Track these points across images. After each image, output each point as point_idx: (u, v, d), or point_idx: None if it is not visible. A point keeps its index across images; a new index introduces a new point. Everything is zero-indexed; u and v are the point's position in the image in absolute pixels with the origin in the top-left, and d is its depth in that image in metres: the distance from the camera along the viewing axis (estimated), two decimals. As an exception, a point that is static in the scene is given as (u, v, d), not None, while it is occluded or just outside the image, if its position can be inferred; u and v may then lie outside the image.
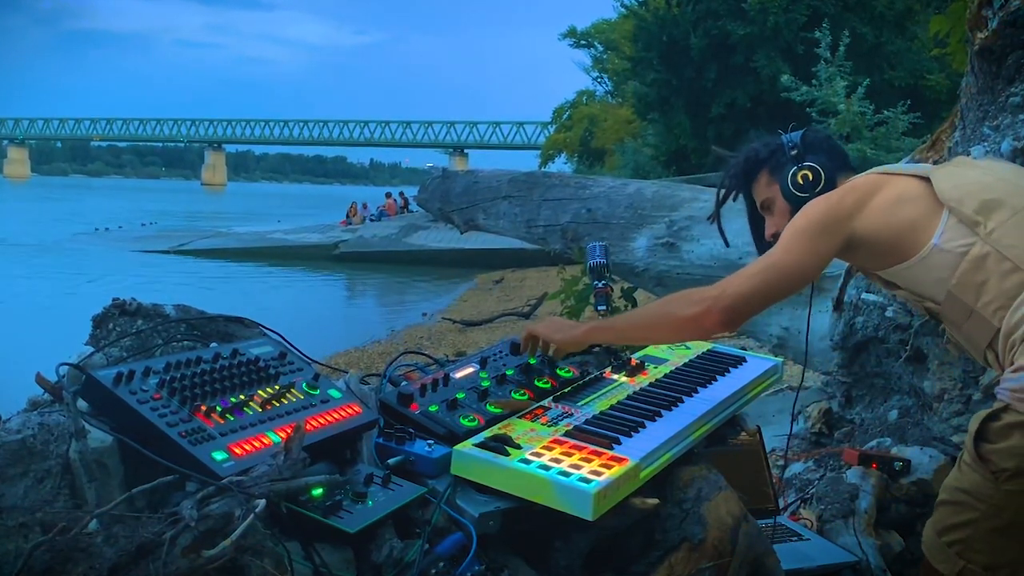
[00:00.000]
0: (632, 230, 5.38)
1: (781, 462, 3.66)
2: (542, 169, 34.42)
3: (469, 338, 15.01)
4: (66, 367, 2.05)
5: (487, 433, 2.16)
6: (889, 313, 3.71)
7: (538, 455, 2.06)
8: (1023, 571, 2.08)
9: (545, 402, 2.40)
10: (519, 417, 2.29)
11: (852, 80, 14.74)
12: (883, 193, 2.37)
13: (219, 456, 1.86)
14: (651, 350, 2.87)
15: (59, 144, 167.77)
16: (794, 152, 2.61)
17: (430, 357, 2.80)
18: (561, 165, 45.34)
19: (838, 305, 4.04)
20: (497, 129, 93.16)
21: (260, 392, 2.12)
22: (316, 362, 2.42)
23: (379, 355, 13.25)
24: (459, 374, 2.49)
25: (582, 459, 2.05)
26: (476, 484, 2.06)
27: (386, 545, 1.89)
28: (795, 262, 2.34)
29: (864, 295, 3.84)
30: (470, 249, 25.12)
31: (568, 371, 2.64)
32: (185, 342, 2.36)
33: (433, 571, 1.88)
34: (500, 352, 2.67)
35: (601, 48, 44.78)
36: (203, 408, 1.98)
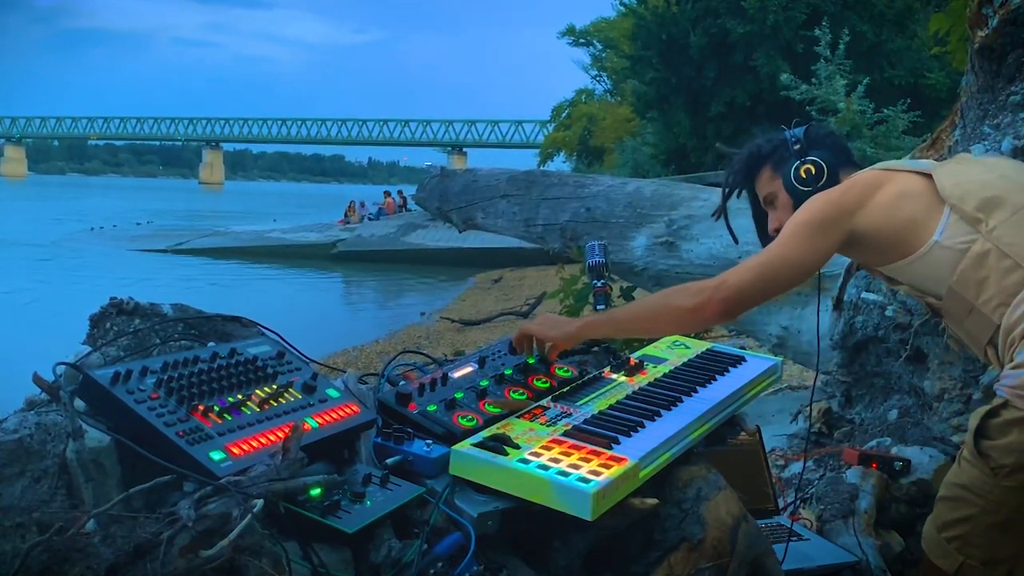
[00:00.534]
0: (631, 229, 5.37)
1: (780, 462, 3.66)
2: (541, 168, 34.41)
3: (468, 337, 15.02)
4: (63, 366, 2.05)
5: (486, 433, 2.15)
6: (889, 312, 3.71)
7: (537, 455, 2.05)
8: (1021, 566, 2.09)
9: (544, 402, 2.39)
10: (518, 417, 2.28)
11: (852, 79, 14.75)
12: (885, 189, 2.38)
13: (217, 456, 1.85)
14: (650, 350, 2.86)
15: (56, 143, 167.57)
16: (797, 147, 2.62)
17: (428, 356, 2.80)
18: (560, 164, 45.36)
19: (838, 304, 4.04)
20: (496, 128, 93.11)
21: (258, 392, 2.11)
22: (314, 361, 2.42)
23: (377, 354, 13.25)
24: (457, 374, 2.49)
25: (581, 459, 2.04)
26: (475, 484, 2.05)
27: (384, 545, 1.88)
28: (795, 256, 2.36)
29: (864, 294, 3.84)
30: (469, 248, 25.12)
31: (567, 370, 2.63)
32: (183, 341, 2.35)
33: (432, 571, 1.88)
34: (499, 351, 2.66)
35: (600, 46, 44.77)
36: (201, 408, 1.97)
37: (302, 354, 2.39)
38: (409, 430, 2.19)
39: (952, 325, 2.37)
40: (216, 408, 1.99)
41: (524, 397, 2.42)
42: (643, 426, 2.25)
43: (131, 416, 1.90)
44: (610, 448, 2.10)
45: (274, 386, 2.16)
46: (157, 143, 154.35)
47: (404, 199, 35.99)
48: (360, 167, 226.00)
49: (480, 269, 25.87)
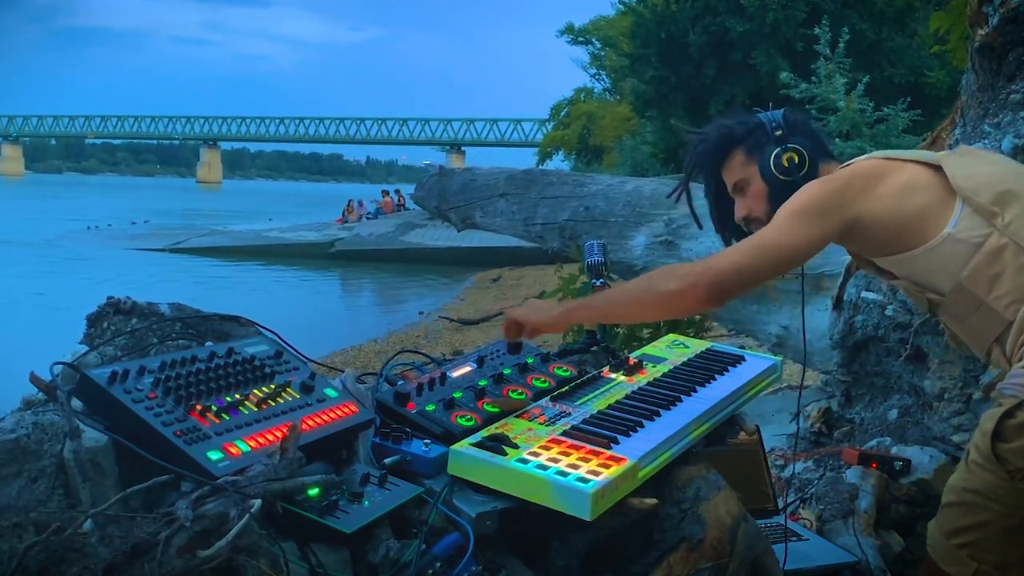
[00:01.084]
0: (630, 228, 5.37)
1: (780, 462, 3.66)
2: (540, 167, 34.43)
3: (466, 337, 15.02)
4: (60, 366, 2.05)
5: (484, 432, 2.15)
6: (889, 312, 3.70)
7: (535, 455, 2.05)
8: None
9: (543, 401, 2.39)
10: (516, 416, 2.28)
11: (852, 77, 14.74)
12: (890, 179, 2.31)
13: (214, 456, 1.85)
14: (649, 349, 2.86)
15: (53, 141, 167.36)
16: (778, 132, 2.51)
17: (427, 356, 2.79)
18: (559, 163, 45.35)
19: (837, 303, 4.03)
20: (494, 126, 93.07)
21: (256, 391, 2.11)
22: (312, 361, 2.41)
23: (376, 354, 13.25)
24: (456, 373, 2.49)
25: (580, 459, 2.04)
26: (473, 484, 2.05)
27: (382, 545, 1.88)
28: (788, 243, 2.26)
29: (864, 293, 3.84)
30: (467, 247, 25.12)
31: (566, 370, 2.63)
32: (180, 341, 2.34)
33: (430, 571, 1.88)
34: (497, 351, 2.66)
35: (599, 45, 44.74)
36: (198, 407, 1.97)
37: (300, 354, 2.38)
38: (407, 430, 2.19)
39: (952, 322, 2.31)
40: (214, 408, 1.98)
41: (523, 397, 2.42)
42: (642, 426, 2.25)
43: (128, 416, 1.90)
44: (609, 448, 2.10)
45: (272, 386, 2.15)
46: (155, 142, 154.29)
47: (402, 198, 35.99)
48: (358, 166, 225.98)
49: (479, 268, 25.87)
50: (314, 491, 1.85)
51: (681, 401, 2.43)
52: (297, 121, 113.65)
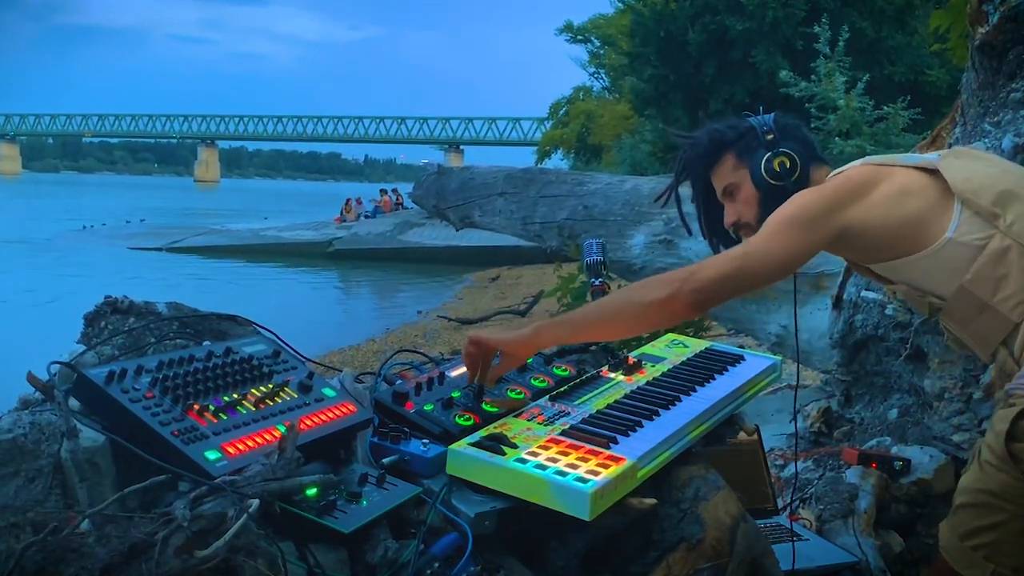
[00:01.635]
0: (629, 227, 5.36)
1: (780, 462, 3.65)
2: (538, 165, 34.42)
3: (464, 336, 15.00)
4: (57, 365, 2.04)
5: (483, 432, 2.14)
6: (889, 311, 3.70)
7: (534, 454, 2.04)
8: None
9: (541, 401, 2.38)
10: (515, 416, 2.27)
11: (851, 76, 14.74)
12: (884, 186, 2.28)
13: (212, 455, 1.84)
14: (648, 348, 2.85)
15: (51, 140, 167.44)
16: (769, 137, 2.49)
17: (425, 355, 2.79)
18: (558, 161, 45.28)
19: (837, 303, 4.03)
20: (493, 125, 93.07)
21: (254, 391, 2.10)
22: (310, 360, 2.41)
23: (374, 353, 13.25)
24: (455, 372, 2.48)
25: (579, 458, 2.03)
26: (472, 484, 2.04)
27: (381, 545, 1.87)
28: (778, 252, 2.23)
29: (864, 293, 3.83)
30: (466, 246, 25.12)
31: (565, 369, 2.63)
32: (178, 340, 2.34)
33: (428, 572, 1.87)
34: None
35: (598, 43, 44.69)
36: (196, 407, 1.96)
37: (298, 353, 2.38)
38: (406, 429, 2.18)
39: (955, 325, 2.29)
40: (211, 407, 1.97)
41: (522, 396, 2.41)
42: (641, 425, 2.24)
43: (126, 415, 1.89)
44: (608, 448, 2.09)
45: (270, 385, 2.14)
46: (152, 140, 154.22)
47: (400, 197, 35.98)
48: (356, 165, 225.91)
49: (477, 267, 25.88)
50: (312, 491, 1.84)
51: (680, 401, 2.42)
52: (295, 120, 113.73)
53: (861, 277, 3.88)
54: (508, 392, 2.42)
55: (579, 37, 45.71)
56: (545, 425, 2.21)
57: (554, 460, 2.02)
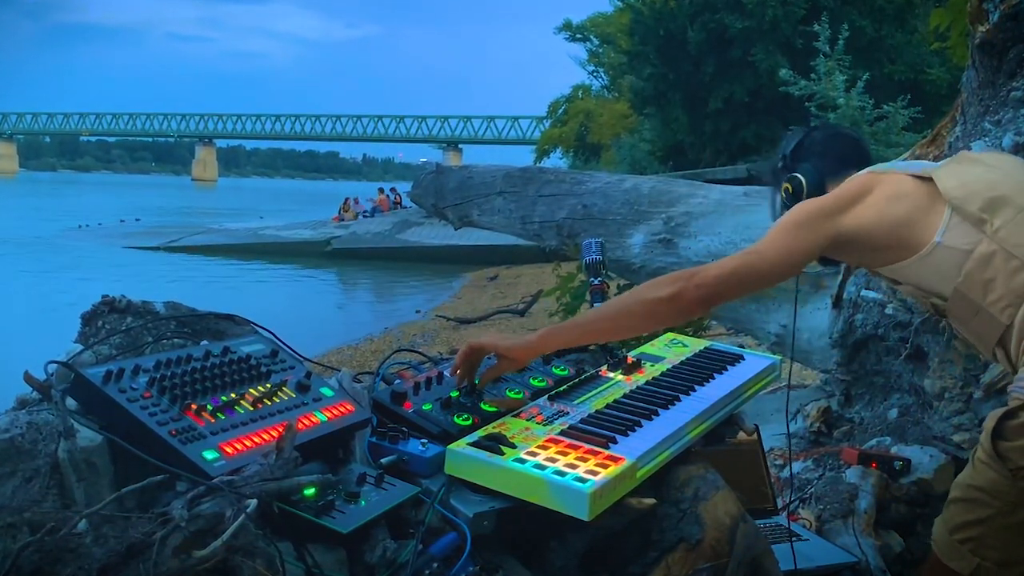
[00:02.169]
0: (628, 226, 5.35)
1: (780, 461, 3.65)
2: (537, 164, 34.39)
3: (463, 335, 15.00)
4: (55, 365, 2.03)
5: (481, 432, 2.14)
6: (889, 311, 3.70)
7: (533, 454, 2.04)
8: None
9: (540, 400, 2.38)
10: (514, 416, 2.26)
11: (851, 74, 14.74)
12: (877, 191, 2.36)
13: (210, 455, 1.84)
14: (647, 348, 2.85)
15: (47, 139, 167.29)
16: (780, 164, 2.66)
17: (424, 355, 2.79)
18: (556, 160, 45.27)
19: (837, 302, 4.03)
20: (492, 124, 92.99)
21: (251, 391, 2.09)
22: (308, 360, 2.40)
23: (372, 353, 13.26)
24: (453, 372, 2.47)
25: (578, 458, 2.03)
26: (470, 484, 2.04)
27: (379, 545, 1.87)
28: (773, 253, 2.33)
29: (864, 292, 3.83)
30: (464, 245, 25.10)
31: (564, 369, 2.62)
32: (175, 340, 2.33)
33: (427, 572, 1.86)
34: (495, 350, 2.64)
35: (597, 42, 44.67)
36: (193, 407, 1.95)
37: (296, 352, 2.37)
38: (404, 429, 2.18)
39: (958, 326, 2.36)
40: (209, 407, 1.97)
41: (521, 396, 2.41)
42: (640, 425, 2.24)
43: (123, 415, 1.88)
44: (607, 447, 2.09)
45: (268, 385, 2.14)
46: (150, 139, 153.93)
47: (399, 196, 35.96)
48: (355, 164, 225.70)
49: (476, 267, 25.88)
50: (310, 491, 1.84)
51: (680, 400, 2.42)
52: (293, 118, 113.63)
53: (861, 276, 3.89)
54: (507, 392, 2.42)
55: (578, 35, 45.69)
56: (544, 425, 2.21)
57: (553, 460, 2.01)
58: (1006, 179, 2.32)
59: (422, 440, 2.14)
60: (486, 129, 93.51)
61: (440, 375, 2.43)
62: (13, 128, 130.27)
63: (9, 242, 30.61)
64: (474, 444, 2.07)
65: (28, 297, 19.68)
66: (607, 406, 2.35)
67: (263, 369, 2.20)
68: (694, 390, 2.50)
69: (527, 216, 6.21)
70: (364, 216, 35.16)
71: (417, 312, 19.12)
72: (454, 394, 2.33)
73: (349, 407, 2.18)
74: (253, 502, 1.67)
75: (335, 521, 1.82)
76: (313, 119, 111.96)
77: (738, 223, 4.73)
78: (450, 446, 2.08)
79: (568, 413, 2.29)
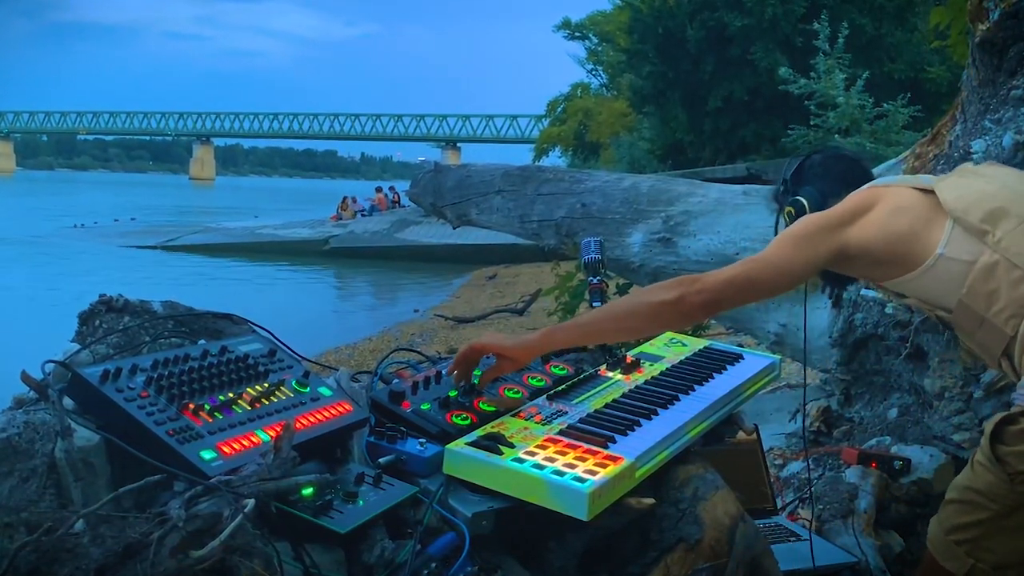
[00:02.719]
0: (627, 225, 5.34)
1: (779, 461, 3.64)
2: (536, 163, 34.39)
3: (462, 335, 15.00)
4: (52, 364, 2.03)
5: (480, 432, 2.13)
6: (889, 310, 3.69)
7: (532, 454, 2.03)
8: None
9: (539, 400, 2.37)
10: (512, 415, 2.26)
11: (851, 72, 14.76)
12: (880, 205, 2.38)
13: (207, 455, 1.84)
14: (646, 347, 2.85)
15: (44, 138, 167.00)
16: (782, 188, 2.72)
17: (422, 354, 2.78)
18: (555, 159, 45.27)
19: (837, 301, 4.02)
20: (490, 123, 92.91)
21: (249, 390, 2.09)
22: (306, 359, 2.40)
23: (370, 352, 13.25)
24: (452, 372, 2.46)
25: (576, 458, 2.03)
26: (469, 483, 2.03)
27: (377, 545, 1.87)
28: (777, 261, 2.35)
29: (864, 291, 3.82)
30: (463, 245, 25.07)
31: (563, 368, 2.62)
32: (173, 339, 2.33)
33: (425, 572, 1.86)
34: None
35: (596, 40, 44.67)
36: (191, 406, 1.95)
37: (294, 352, 2.37)
38: (402, 429, 2.17)
39: (963, 337, 2.37)
40: (207, 407, 1.97)
41: (519, 395, 2.40)
42: (639, 425, 2.23)
43: (121, 415, 1.88)
44: (606, 447, 2.09)
45: (265, 384, 2.13)
46: (147, 138, 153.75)
47: (397, 195, 35.92)
48: (353, 162, 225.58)
49: (474, 266, 25.88)
50: (308, 491, 1.83)
51: (679, 400, 2.42)
52: (291, 117, 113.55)
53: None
54: (506, 391, 2.41)
55: (577, 34, 45.70)
56: (543, 424, 2.20)
57: (552, 460, 2.01)
58: (1005, 191, 2.34)
59: (420, 440, 2.14)
60: (484, 128, 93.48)
61: (439, 374, 2.42)
62: (10, 127, 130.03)
63: (6, 241, 30.57)
64: (472, 444, 2.06)
65: (25, 296, 19.65)
66: (606, 405, 2.34)
67: (261, 368, 2.19)
68: (693, 389, 2.50)
69: (526, 215, 6.20)
70: (362, 215, 35.12)
71: (415, 311, 19.11)
72: (452, 394, 2.33)
73: (347, 407, 2.17)
74: (251, 502, 1.66)
75: (333, 521, 1.82)
76: (311, 117, 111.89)
77: (737, 222, 4.72)
78: (448, 446, 2.07)
79: (567, 412, 2.28)
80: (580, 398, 2.39)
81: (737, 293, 2.36)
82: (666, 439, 2.21)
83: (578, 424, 2.21)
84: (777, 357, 2.89)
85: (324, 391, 2.20)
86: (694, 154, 25.74)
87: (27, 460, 1.85)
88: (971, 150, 3.51)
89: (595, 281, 2.92)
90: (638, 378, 2.56)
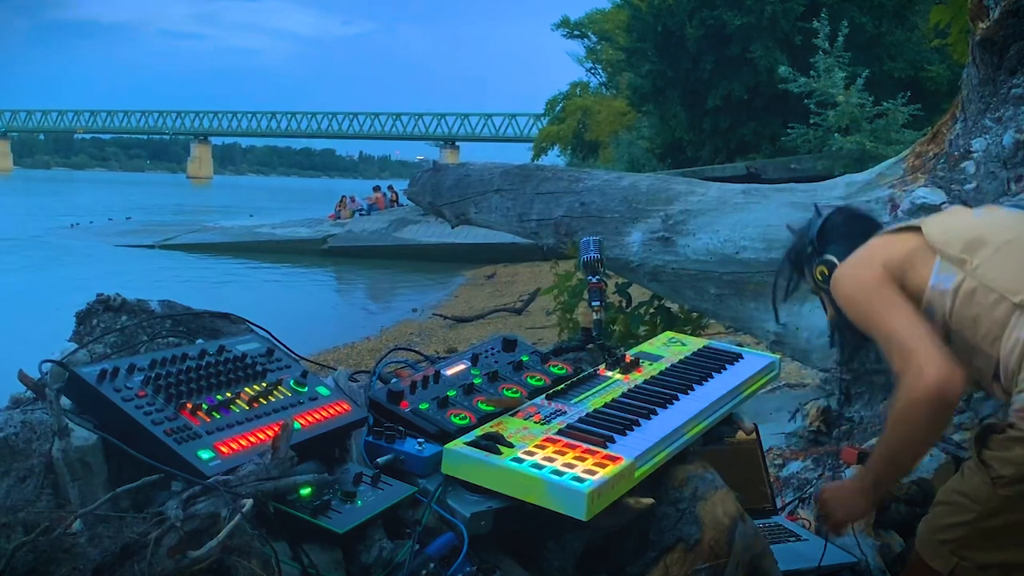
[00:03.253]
0: (626, 224, 5.32)
1: (779, 461, 3.64)
2: (535, 162, 34.38)
3: (460, 334, 15.00)
4: (49, 364, 2.02)
5: (478, 431, 2.14)
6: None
7: (530, 454, 2.04)
8: (1014, 572, 2.20)
9: (538, 400, 2.37)
10: (511, 415, 2.26)
11: (851, 71, 14.77)
12: (880, 243, 2.47)
13: (205, 455, 1.84)
14: (646, 347, 2.85)
15: (42, 137, 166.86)
16: (810, 249, 2.69)
17: (420, 354, 2.78)
18: (554, 158, 45.19)
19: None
20: (489, 121, 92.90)
21: (247, 390, 2.09)
22: (304, 359, 2.40)
23: (368, 352, 13.24)
24: (450, 371, 2.46)
25: (575, 458, 2.03)
26: (467, 483, 2.04)
27: (376, 546, 1.87)
28: (895, 322, 2.31)
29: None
30: (461, 244, 25.04)
31: (561, 368, 2.61)
32: (171, 339, 2.33)
33: (424, 572, 1.86)
34: (492, 349, 2.64)
35: (595, 38, 44.62)
36: (189, 406, 1.95)
37: (292, 351, 2.37)
38: (401, 428, 2.18)
39: (967, 369, 2.34)
40: (204, 406, 1.97)
41: (518, 395, 2.40)
42: (638, 424, 2.23)
43: (118, 414, 1.88)
44: (605, 447, 2.09)
45: (263, 384, 2.13)
46: (144, 137, 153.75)
47: (396, 194, 35.87)
48: (351, 161, 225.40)
49: (473, 265, 25.87)
50: (306, 491, 1.84)
51: (678, 399, 2.42)
52: (289, 116, 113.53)
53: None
54: (504, 391, 2.41)
55: (576, 32, 45.67)
56: (541, 424, 2.20)
57: (550, 459, 2.01)
58: (986, 223, 2.43)
59: (419, 439, 2.14)
60: (483, 126, 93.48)
61: (437, 374, 2.42)
62: (7, 125, 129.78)
63: (3, 240, 30.54)
64: (471, 443, 2.06)
65: (22, 296, 19.63)
66: (605, 405, 2.34)
67: (259, 368, 2.19)
68: (693, 389, 2.50)
69: (524, 214, 6.18)
70: (360, 214, 35.07)
71: (414, 311, 19.09)
72: (451, 393, 2.32)
73: (345, 406, 2.17)
74: (249, 502, 1.66)
75: (331, 521, 1.82)
76: (309, 116, 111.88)
77: (737, 221, 4.70)
78: (447, 445, 2.07)
79: (566, 412, 2.28)
80: (579, 398, 2.39)
81: (918, 338, 2.25)
82: (665, 439, 2.21)
83: (577, 424, 2.21)
84: (776, 356, 2.89)
85: (322, 391, 2.20)
86: (693, 153, 25.69)
87: (24, 460, 1.86)
88: (971, 149, 3.51)
89: (594, 280, 2.92)
90: (637, 377, 2.56)
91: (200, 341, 2.31)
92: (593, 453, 2.05)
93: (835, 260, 2.60)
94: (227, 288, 21.13)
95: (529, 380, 2.50)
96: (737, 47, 24.31)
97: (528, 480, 1.95)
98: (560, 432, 2.15)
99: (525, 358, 2.59)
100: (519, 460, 2.00)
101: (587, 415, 2.27)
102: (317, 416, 2.10)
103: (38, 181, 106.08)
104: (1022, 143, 3.36)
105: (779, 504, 3.23)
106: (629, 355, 2.72)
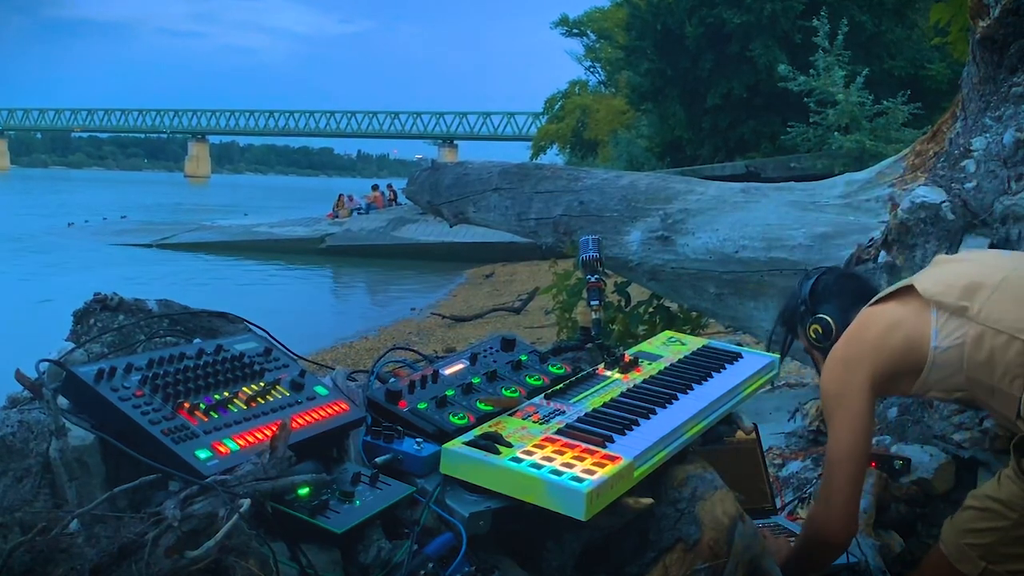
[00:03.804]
0: (625, 223, 5.32)
1: (778, 461, 3.63)
2: (533, 161, 34.38)
3: (459, 334, 15.02)
4: (46, 363, 2.02)
5: (477, 431, 2.13)
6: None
7: (529, 453, 2.03)
8: None
9: (537, 399, 2.37)
10: (510, 415, 2.26)
11: (851, 70, 14.77)
12: (873, 330, 2.48)
13: (203, 454, 1.83)
14: (645, 346, 2.84)
15: (39, 135, 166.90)
16: (803, 308, 2.75)
17: (419, 353, 2.77)
18: (553, 156, 45.23)
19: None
20: (487, 120, 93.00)
21: (245, 389, 2.08)
22: (302, 358, 2.40)
23: (367, 351, 13.25)
24: (449, 371, 2.45)
25: (574, 457, 2.02)
26: (466, 483, 2.03)
27: (374, 546, 1.87)
28: (843, 439, 2.44)
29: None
30: (460, 243, 25.05)
31: (560, 367, 2.60)
32: (168, 338, 2.32)
33: (422, 572, 1.86)
34: (490, 348, 2.63)
35: (594, 37, 44.66)
36: (186, 405, 1.94)
37: (290, 351, 2.36)
38: (399, 428, 2.17)
39: (988, 411, 2.50)
40: (202, 406, 1.96)
41: (517, 394, 2.39)
42: (638, 424, 2.23)
43: (115, 414, 1.87)
44: (604, 447, 2.08)
45: (261, 383, 2.13)
46: (142, 136, 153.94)
47: (394, 193, 35.86)
48: (349, 160, 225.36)
49: (471, 264, 25.89)
50: (304, 490, 1.83)
51: (677, 399, 2.41)
52: (287, 114, 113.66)
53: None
54: (503, 390, 2.40)
55: (575, 31, 45.70)
56: (540, 424, 2.20)
57: (549, 459, 2.00)
58: (977, 265, 2.46)
59: (417, 439, 2.13)
60: (482, 125, 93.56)
61: (435, 373, 2.41)
62: (4, 124, 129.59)
63: (2, 240, 30.53)
64: (470, 443, 2.06)
65: (20, 295, 19.62)
66: (604, 405, 2.34)
67: (257, 367, 2.19)
68: (692, 388, 2.49)
69: (523, 213, 6.18)
70: (359, 213, 35.06)
71: (412, 310, 19.11)
72: (449, 393, 2.32)
73: (343, 406, 2.17)
74: (246, 502, 1.66)
75: (329, 521, 1.82)
76: (307, 115, 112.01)
77: (736, 220, 4.70)
78: (445, 445, 2.07)
79: (565, 412, 2.28)
80: (578, 397, 2.38)
81: (855, 487, 2.47)
82: (665, 438, 2.20)
83: (576, 423, 2.20)
84: (776, 356, 2.88)
85: (320, 390, 2.19)
86: (692, 151, 25.68)
87: (21, 459, 1.85)
88: (971, 147, 3.50)
89: (593, 279, 2.92)
90: (636, 377, 2.55)
91: (198, 340, 2.30)
92: (592, 453, 2.05)
93: (829, 319, 2.66)
94: (225, 287, 21.13)
95: (528, 379, 2.49)
96: (737, 45, 24.30)
97: (527, 480, 1.95)
98: (559, 432, 2.15)
99: (524, 357, 2.58)
100: (518, 460, 2.00)
101: (586, 415, 2.26)
102: (315, 416, 2.09)
103: (35, 180, 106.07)
104: (1022, 142, 3.36)
105: (779, 504, 3.22)
106: (628, 354, 2.71)
